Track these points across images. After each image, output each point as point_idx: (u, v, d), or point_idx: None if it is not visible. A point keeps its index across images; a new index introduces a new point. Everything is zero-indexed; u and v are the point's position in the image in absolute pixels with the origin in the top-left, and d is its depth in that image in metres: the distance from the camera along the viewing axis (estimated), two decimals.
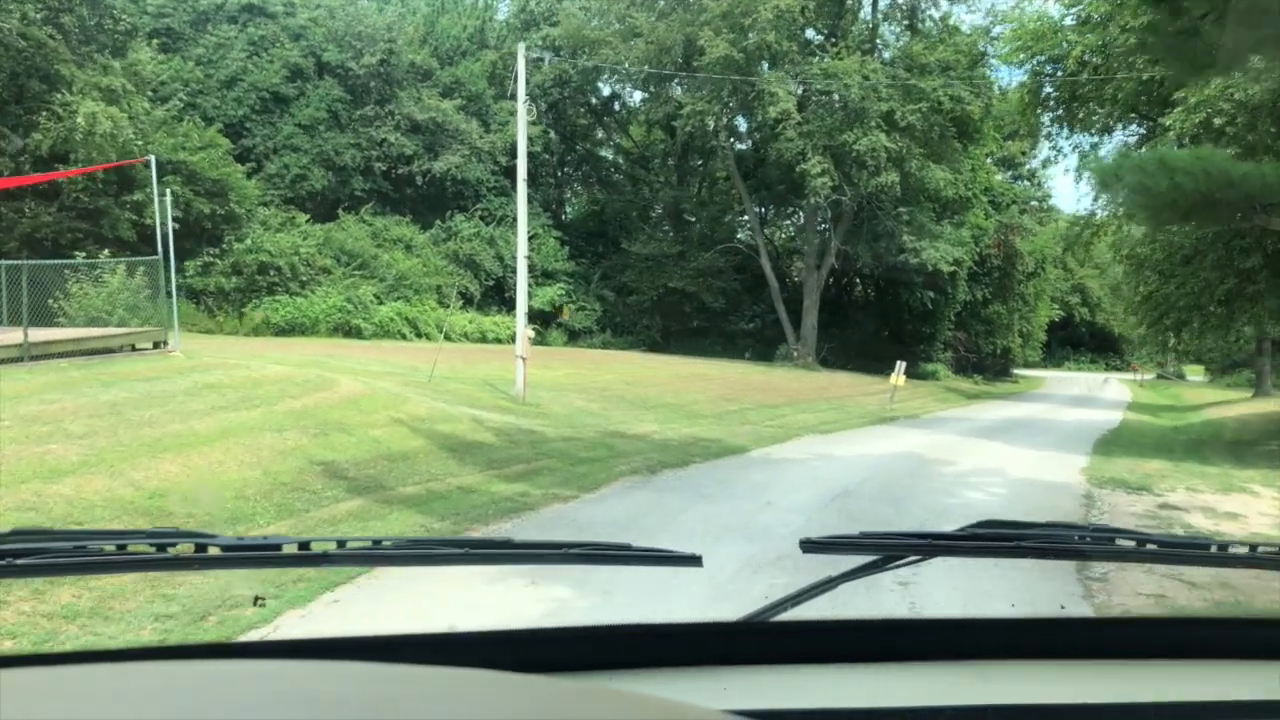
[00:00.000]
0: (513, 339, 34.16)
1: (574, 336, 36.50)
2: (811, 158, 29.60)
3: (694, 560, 1.32)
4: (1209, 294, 14.31)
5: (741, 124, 41.03)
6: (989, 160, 43.97)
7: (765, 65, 31.72)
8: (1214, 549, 1.43)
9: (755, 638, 1.25)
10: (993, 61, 31.87)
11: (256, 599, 5.47)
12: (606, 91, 43.23)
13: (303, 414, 10.62)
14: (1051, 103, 17.34)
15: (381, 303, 30.03)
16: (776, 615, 1.28)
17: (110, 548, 1.18)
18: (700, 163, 43.51)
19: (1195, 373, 63.08)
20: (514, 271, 35.55)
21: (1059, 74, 16.19)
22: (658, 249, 37.51)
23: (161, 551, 1.19)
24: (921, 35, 30.72)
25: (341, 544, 1.28)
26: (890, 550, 1.35)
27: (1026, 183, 52.42)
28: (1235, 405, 28.46)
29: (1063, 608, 5.77)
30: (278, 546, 1.24)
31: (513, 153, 39.11)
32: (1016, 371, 54.45)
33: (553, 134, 40.84)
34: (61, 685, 0.78)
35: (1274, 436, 17.26)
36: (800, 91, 31.83)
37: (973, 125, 34.24)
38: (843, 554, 1.31)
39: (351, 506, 7.89)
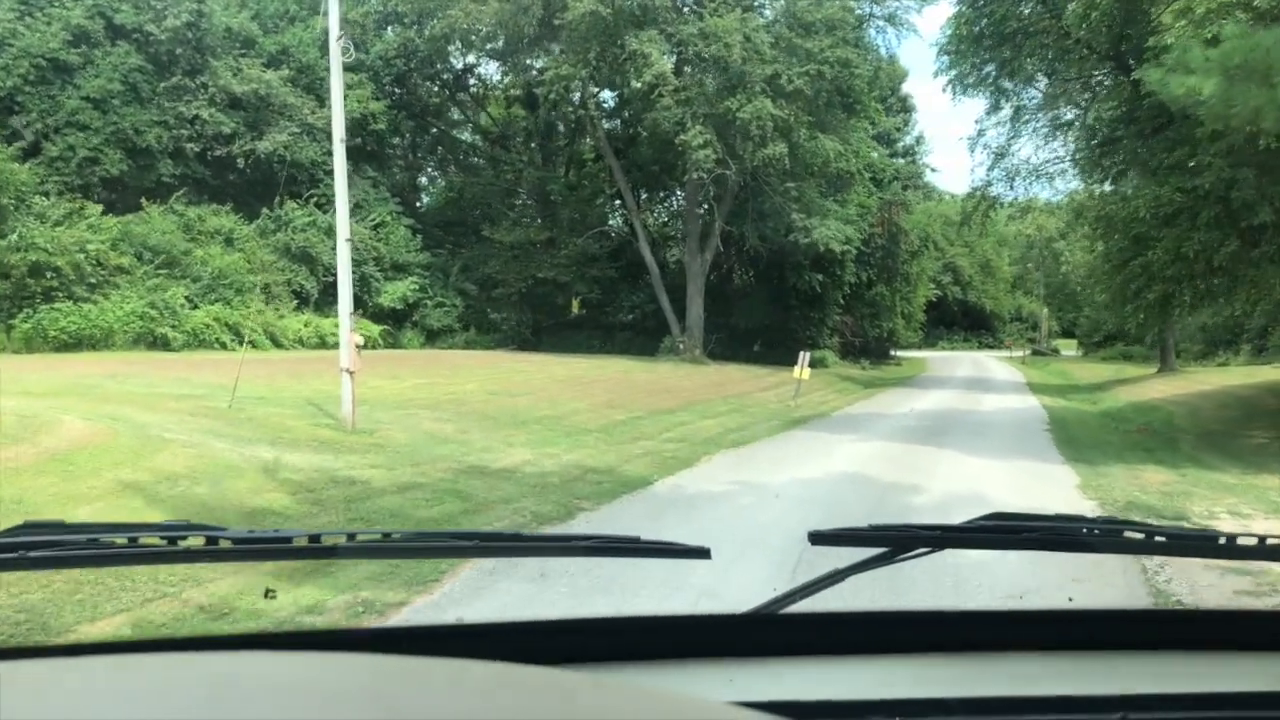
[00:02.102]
0: (359, 344, 29.92)
1: (432, 337, 32.43)
2: (692, 127, 26.44)
3: (702, 553, 1.33)
4: (1204, 260, 11.76)
5: (610, 101, 37.75)
6: (868, 135, 41.99)
7: (636, 34, 28.31)
8: (1223, 541, 1.38)
9: (763, 630, 1.24)
10: (879, 21, 29.49)
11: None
12: (459, 64, 39.06)
13: None
14: (988, 41, 14.64)
15: (195, 306, 25.27)
16: (785, 607, 1.27)
17: (122, 540, 1.18)
18: (566, 142, 39.91)
19: (1068, 347, 63.71)
20: (359, 265, 31.23)
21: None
22: (524, 236, 33.77)
23: (173, 544, 1.19)
24: None
25: (351, 537, 1.28)
26: (899, 543, 1.33)
27: (902, 159, 51.05)
28: (1146, 384, 26.96)
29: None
30: (288, 539, 1.24)
31: (354, 130, 34.71)
32: (897, 353, 53.32)
33: (400, 112, 36.44)
34: (59, 678, 0.76)
35: (1241, 424, 15.16)
36: (676, 57, 28.64)
37: (854, 96, 31.93)
38: (852, 547, 1.30)
39: None
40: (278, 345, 26.54)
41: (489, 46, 34.39)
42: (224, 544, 1.20)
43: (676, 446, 13.76)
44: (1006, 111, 18.48)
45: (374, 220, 31.89)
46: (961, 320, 75.37)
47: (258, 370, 20.15)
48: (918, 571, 5.44)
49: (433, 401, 16.73)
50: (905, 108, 50.85)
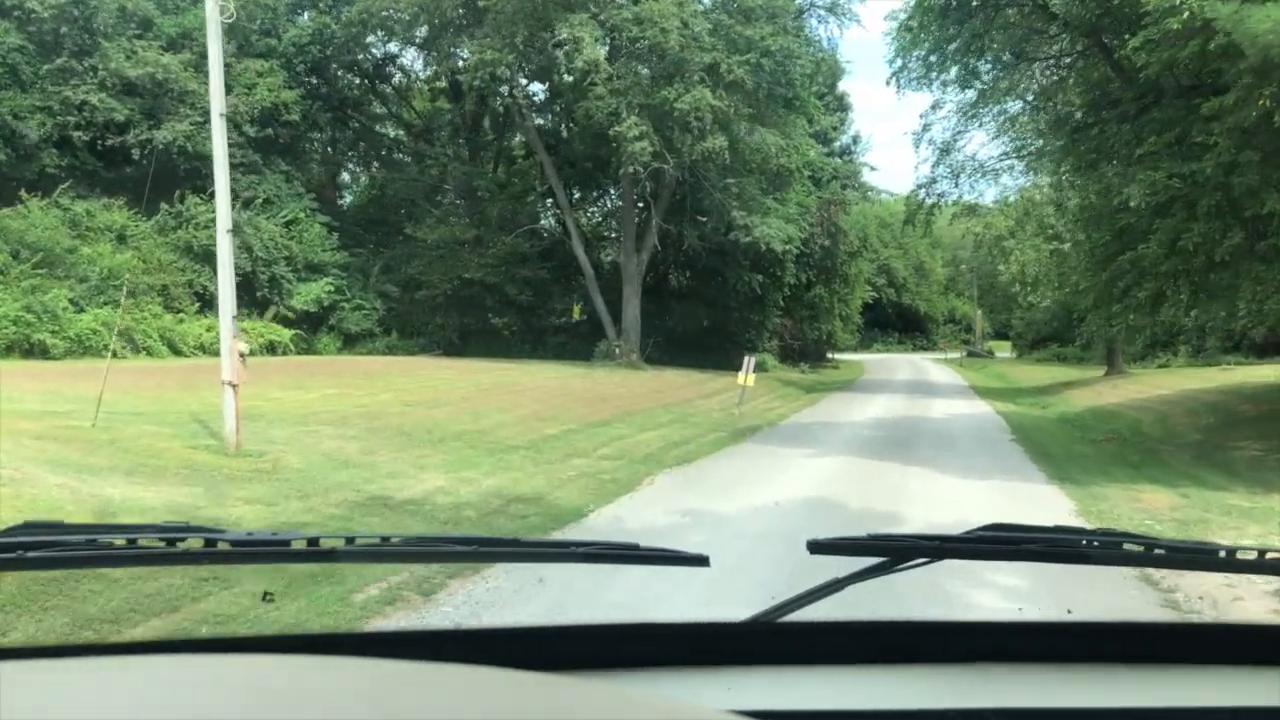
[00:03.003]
0: (269, 349, 27.67)
1: (350, 341, 30.32)
2: (627, 118, 24.90)
3: (701, 560, 1.33)
4: (1204, 253, 10.56)
5: (540, 95, 36.09)
6: (806, 132, 40.98)
7: (566, 18, 26.64)
8: (1222, 554, 1.36)
9: (762, 638, 1.24)
10: (820, 11, 28.37)
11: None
12: (379, 53, 36.93)
13: None
14: (954, 14, 13.29)
15: (81, 310, 22.90)
16: (783, 616, 1.26)
17: (121, 542, 1.18)
18: (494, 137, 38.07)
19: (1002, 349, 63.81)
20: (268, 265, 29.03)
21: None
22: (449, 234, 31.83)
23: (171, 546, 1.18)
24: None
25: (350, 540, 1.26)
26: (898, 552, 1.32)
27: (839, 159, 50.28)
28: (1096, 387, 26.24)
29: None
30: (286, 543, 1.22)
31: (264, 121, 32.27)
32: (833, 356, 52.64)
33: (316, 103, 34.19)
34: (58, 679, 0.77)
35: (1221, 433, 14.18)
36: (609, 44, 27.08)
37: (794, 91, 30.79)
38: (851, 556, 1.29)
39: None
40: (176, 352, 24.29)
41: (409, 34, 32.47)
42: (222, 546, 1.18)
43: (614, 465, 12.22)
44: (967, 96, 17.31)
45: (286, 216, 29.67)
46: (896, 322, 75.25)
47: (147, 380, 18.09)
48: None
49: (340, 415, 14.90)
50: (842, 106, 50.08)
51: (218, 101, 11.15)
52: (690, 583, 6.34)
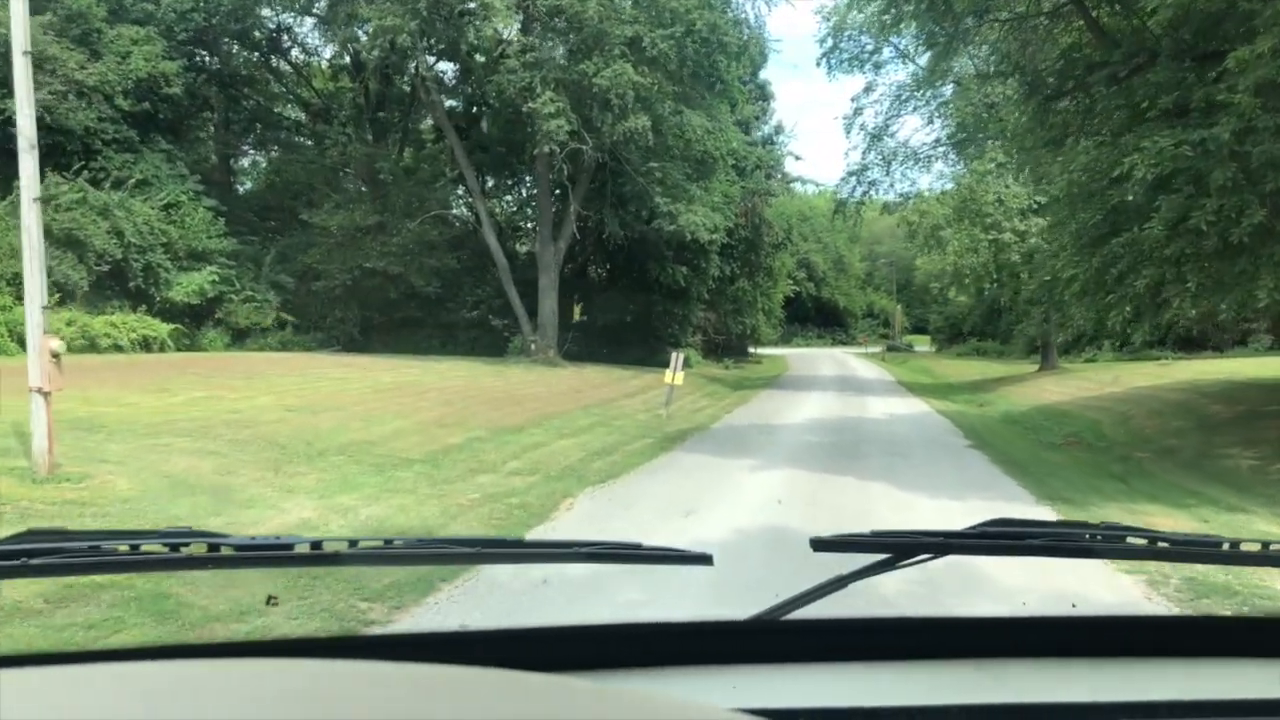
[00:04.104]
0: (141, 344, 24.86)
1: (240, 337, 27.65)
2: (542, 94, 22.91)
3: (704, 559, 1.32)
4: (1217, 234, 9.12)
5: (452, 76, 33.81)
6: (730, 119, 39.53)
7: None
8: (1226, 546, 1.34)
9: (766, 636, 1.23)
10: None
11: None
12: (273, 25, 34.10)
13: None
14: None
15: None
16: (787, 614, 1.26)
17: (124, 548, 1.17)
18: (399, 118, 35.59)
19: (920, 343, 63.71)
20: (142, 252, 26.17)
21: None
22: (349, 220, 29.34)
23: (175, 551, 1.17)
24: None
25: (353, 544, 1.25)
26: (902, 549, 1.30)
27: (761, 148, 49.06)
28: (1034, 383, 25.32)
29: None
30: (290, 546, 1.21)
31: (141, 94, 29.33)
32: (755, 351, 51.56)
33: (200, 75, 31.28)
34: (59, 685, 0.77)
35: (1199, 437, 13.01)
36: (522, 14, 25.03)
37: (718, 74, 29.23)
38: (854, 553, 1.27)
39: None
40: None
41: (305, 2, 29.84)
42: (225, 551, 1.18)
43: (527, 484, 10.33)
44: (901, 78, 15.90)
45: (164, 199, 26.83)
46: (815, 317, 74.88)
47: None
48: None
49: (201, 424, 12.64)
50: (764, 95, 48.86)
51: (20, 35, 8.85)
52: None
